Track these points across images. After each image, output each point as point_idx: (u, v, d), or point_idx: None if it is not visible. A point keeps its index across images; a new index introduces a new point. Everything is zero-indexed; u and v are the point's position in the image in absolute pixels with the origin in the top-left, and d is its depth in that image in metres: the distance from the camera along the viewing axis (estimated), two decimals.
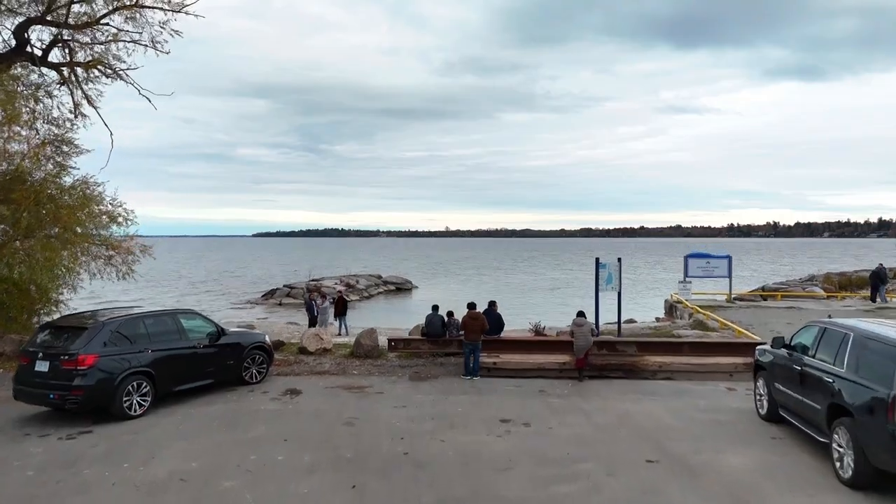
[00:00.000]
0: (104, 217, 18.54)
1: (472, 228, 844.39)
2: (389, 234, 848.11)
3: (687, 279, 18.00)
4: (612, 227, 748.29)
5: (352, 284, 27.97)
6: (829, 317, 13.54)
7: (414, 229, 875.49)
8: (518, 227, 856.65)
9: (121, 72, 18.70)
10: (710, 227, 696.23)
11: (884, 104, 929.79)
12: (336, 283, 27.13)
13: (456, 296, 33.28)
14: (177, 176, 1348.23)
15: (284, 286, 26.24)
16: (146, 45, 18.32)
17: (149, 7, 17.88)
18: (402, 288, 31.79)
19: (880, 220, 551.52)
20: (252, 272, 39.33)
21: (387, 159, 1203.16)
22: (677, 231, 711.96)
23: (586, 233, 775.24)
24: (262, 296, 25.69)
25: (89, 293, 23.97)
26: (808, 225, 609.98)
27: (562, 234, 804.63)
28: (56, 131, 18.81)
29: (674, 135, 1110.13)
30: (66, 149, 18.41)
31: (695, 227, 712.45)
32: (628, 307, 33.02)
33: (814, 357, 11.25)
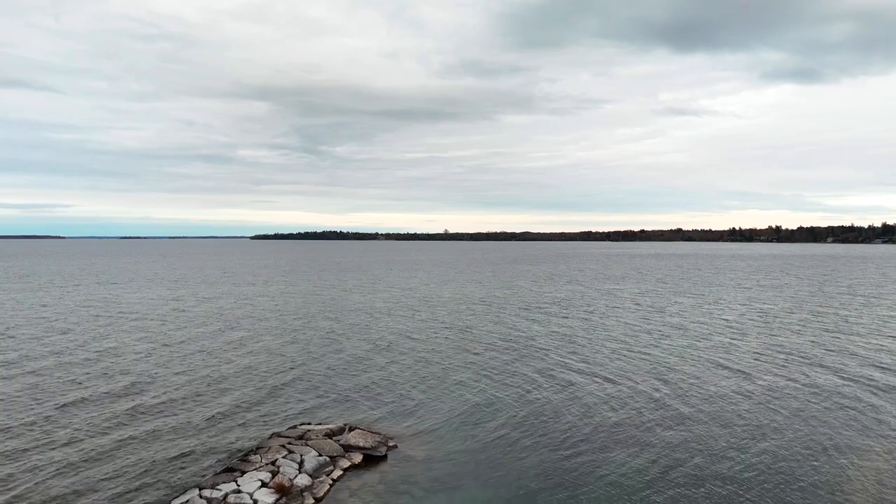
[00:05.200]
0: None
1: (472, 231, 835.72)
2: (388, 236, 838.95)
3: None
4: (612, 230, 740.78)
5: (286, 487, 17.56)
6: None
7: (413, 231, 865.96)
8: (518, 230, 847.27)
9: None
10: (711, 231, 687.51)
11: (881, 106, 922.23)
12: (265, 483, 16.67)
13: (462, 470, 18.85)
14: (177, 177, 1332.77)
15: (199, 497, 15.61)
16: None
17: None
18: (372, 455, 21.01)
19: (884, 224, 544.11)
20: (203, 381, 26.75)
21: (386, 160, 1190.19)
22: (678, 235, 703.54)
23: (586, 236, 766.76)
24: None
25: None
26: (812, 230, 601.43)
27: (562, 236, 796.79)
28: None
29: (672, 136, 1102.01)
30: None
31: (696, 231, 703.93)
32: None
33: None
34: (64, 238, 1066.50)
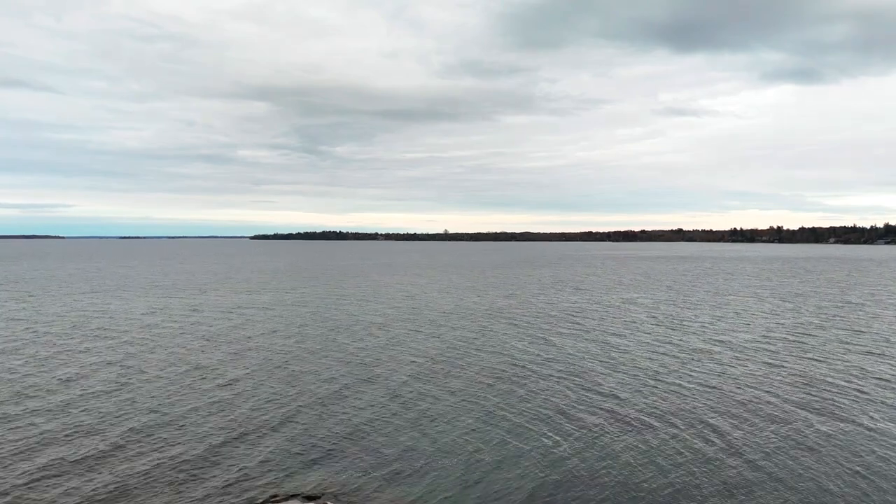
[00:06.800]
0: None
1: (472, 231, 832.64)
2: (388, 236, 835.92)
3: None
4: (612, 230, 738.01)
5: None
6: None
7: (413, 231, 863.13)
8: (518, 230, 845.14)
9: None
10: (712, 231, 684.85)
11: (881, 106, 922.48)
12: None
13: None
14: (177, 177, 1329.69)
15: None
16: None
17: None
18: None
19: (886, 225, 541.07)
20: None
21: (386, 160, 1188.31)
22: (679, 235, 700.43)
23: (587, 236, 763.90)
24: None
25: None
26: (813, 230, 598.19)
27: (562, 237, 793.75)
28: None
29: (672, 136, 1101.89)
30: None
31: (697, 231, 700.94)
32: None
33: None
34: (64, 238, 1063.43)
